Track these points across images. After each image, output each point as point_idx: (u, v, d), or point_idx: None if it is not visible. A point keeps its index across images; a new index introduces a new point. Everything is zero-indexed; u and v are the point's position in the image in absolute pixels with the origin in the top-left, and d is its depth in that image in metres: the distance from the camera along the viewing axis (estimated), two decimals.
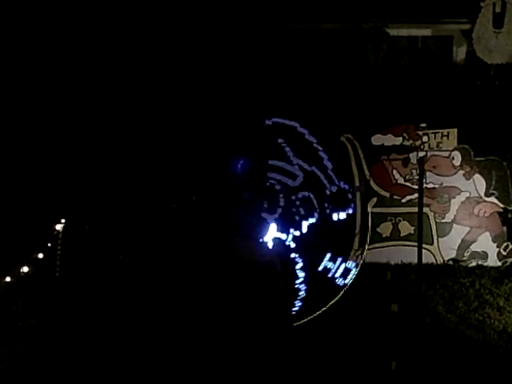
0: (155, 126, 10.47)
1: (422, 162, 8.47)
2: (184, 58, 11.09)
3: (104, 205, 10.17)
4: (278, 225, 8.17)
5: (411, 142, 9.85)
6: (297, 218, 8.35)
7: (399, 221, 10.15)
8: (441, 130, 8.84)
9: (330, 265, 8.19)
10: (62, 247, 9.19)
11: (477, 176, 10.15)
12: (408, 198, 10.12)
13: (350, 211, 8.68)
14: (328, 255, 8.18)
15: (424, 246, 8.99)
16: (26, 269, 8.39)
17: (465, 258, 10.06)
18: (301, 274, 8.06)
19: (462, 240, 10.11)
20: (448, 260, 10.05)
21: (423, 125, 9.31)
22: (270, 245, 7.94)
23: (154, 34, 11.22)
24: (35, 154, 10.50)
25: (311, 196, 8.41)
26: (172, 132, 10.31)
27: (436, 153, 9.88)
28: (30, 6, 11.22)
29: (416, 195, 9.52)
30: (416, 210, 9.06)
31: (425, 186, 9.08)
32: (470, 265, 9.94)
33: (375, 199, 10.13)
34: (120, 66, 10.94)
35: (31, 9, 11.22)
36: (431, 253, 10.01)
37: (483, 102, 10.72)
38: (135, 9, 11.26)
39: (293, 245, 8.25)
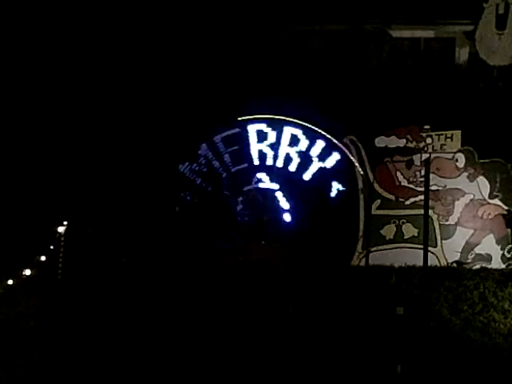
0: (157, 129, 10.44)
1: (427, 164, 8.43)
2: (188, 61, 11.07)
3: (107, 207, 10.14)
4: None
5: (415, 143, 9.85)
6: None
7: (403, 223, 10.11)
8: (445, 132, 8.81)
9: None
10: (64, 249, 9.18)
11: (481, 178, 10.13)
12: (412, 200, 10.08)
13: None
14: None
15: (428, 248, 8.98)
16: (28, 271, 8.38)
17: (469, 261, 10.03)
18: None
19: (466, 242, 10.08)
20: (452, 262, 10.02)
21: (427, 127, 9.29)
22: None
23: (157, 36, 11.19)
24: (38, 156, 10.47)
25: None
26: (174, 135, 10.28)
27: (440, 155, 9.84)
28: (30, 6, 11.19)
29: (420, 197, 9.52)
30: (420, 212, 9.06)
31: None
32: (474, 267, 9.91)
33: (379, 201, 10.11)
34: (124, 69, 10.91)
35: (31, 9, 11.19)
36: (435, 255, 9.98)
37: (486, 103, 10.68)
38: (135, 12, 11.23)
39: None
